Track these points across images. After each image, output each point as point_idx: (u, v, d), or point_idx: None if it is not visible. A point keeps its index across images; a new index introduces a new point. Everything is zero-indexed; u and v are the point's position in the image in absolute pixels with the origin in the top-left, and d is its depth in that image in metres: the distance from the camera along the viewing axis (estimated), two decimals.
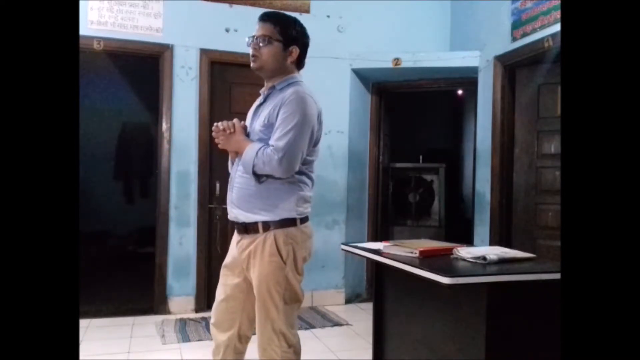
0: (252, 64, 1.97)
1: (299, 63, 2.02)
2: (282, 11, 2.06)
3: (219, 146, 2.01)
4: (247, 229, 1.95)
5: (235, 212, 1.98)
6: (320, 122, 1.96)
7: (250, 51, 1.96)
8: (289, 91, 1.89)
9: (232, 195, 1.99)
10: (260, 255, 1.91)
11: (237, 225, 2.01)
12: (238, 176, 1.96)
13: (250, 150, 1.88)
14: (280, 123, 1.85)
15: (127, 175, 7.26)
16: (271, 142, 1.86)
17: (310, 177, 1.99)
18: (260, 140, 1.92)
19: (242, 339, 2.07)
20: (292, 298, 1.97)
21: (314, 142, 1.95)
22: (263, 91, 2.04)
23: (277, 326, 1.92)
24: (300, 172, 1.93)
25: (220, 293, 2.07)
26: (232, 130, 1.96)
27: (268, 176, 1.89)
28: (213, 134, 2.01)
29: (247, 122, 2.06)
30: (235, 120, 1.99)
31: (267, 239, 1.90)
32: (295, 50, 1.96)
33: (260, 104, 2.01)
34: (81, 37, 3.54)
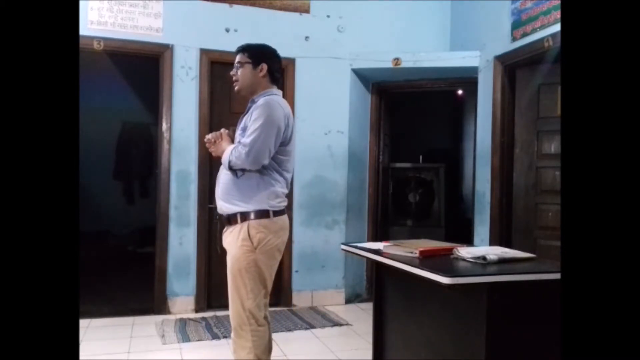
0: (235, 90, 2.38)
1: (273, 79, 2.36)
2: (256, 44, 2.40)
3: (213, 155, 2.37)
4: (230, 220, 2.27)
5: (219, 204, 2.32)
6: (287, 123, 2.25)
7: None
8: (260, 101, 2.26)
9: (218, 190, 2.34)
10: (235, 242, 2.23)
11: (223, 217, 2.33)
12: (222, 174, 2.32)
13: (227, 150, 2.25)
14: (250, 125, 2.20)
15: (127, 175, 7.26)
16: (241, 140, 2.22)
17: (282, 175, 2.29)
18: (239, 143, 2.25)
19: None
20: (260, 281, 2.23)
21: (284, 141, 2.25)
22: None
23: (247, 305, 2.20)
24: (272, 170, 2.25)
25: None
26: (220, 139, 2.33)
27: (244, 171, 2.21)
28: (206, 145, 2.36)
29: None
30: (222, 130, 2.36)
31: (242, 228, 2.22)
32: (264, 67, 2.32)
33: (243, 115, 2.35)
34: (81, 37, 3.54)
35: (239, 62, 2.33)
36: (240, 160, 2.17)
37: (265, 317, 2.26)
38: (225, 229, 2.33)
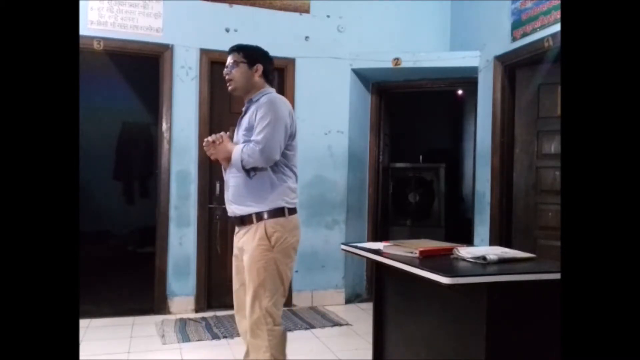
0: (229, 88, 2.36)
1: (268, 79, 2.37)
2: (250, 45, 2.40)
3: (212, 157, 2.34)
4: (244, 220, 2.27)
5: (232, 208, 2.31)
6: (292, 119, 2.28)
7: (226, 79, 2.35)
8: (262, 99, 2.27)
9: (228, 194, 2.33)
10: (251, 241, 2.22)
11: (235, 219, 2.32)
12: (231, 177, 2.29)
13: (236, 150, 2.22)
14: (258, 123, 2.19)
15: (127, 175, 7.26)
16: (252, 138, 2.19)
17: (292, 170, 2.31)
18: (244, 142, 2.24)
19: None
20: (278, 279, 2.23)
21: (290, 136, 2.26)
22: (244, 107, 2.38)
23: (264, 304, 2.19)
24: (283, 165, 2.26)
25: (235, 282, 2.40)
26: (221, 140, 2.28)
27: (256, 170, 2.20)
28: (205, 148, 2.31)
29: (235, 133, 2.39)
30: (222, 133, 2.32)
31: (258, 227, 2.22)
32: (259, 67, 2.33)
33: (243, 116, 2.36)
34: (81, 37, 3.54)
35: (234, 61, 2.32)
36: (253, 158, 2.15)
37: (280, 317, 2.26)
38: (237, 230, 2.33)
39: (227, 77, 2.34)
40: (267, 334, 2.18)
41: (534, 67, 3.69)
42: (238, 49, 2.34)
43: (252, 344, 2.23)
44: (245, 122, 2.29)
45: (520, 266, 1.96)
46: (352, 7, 4.50)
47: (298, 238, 2.33)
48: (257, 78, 2.32)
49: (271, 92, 2.34)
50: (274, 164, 2.21)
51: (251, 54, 2.33)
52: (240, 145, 2.22)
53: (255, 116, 2.21)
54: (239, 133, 2.31)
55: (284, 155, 2.24)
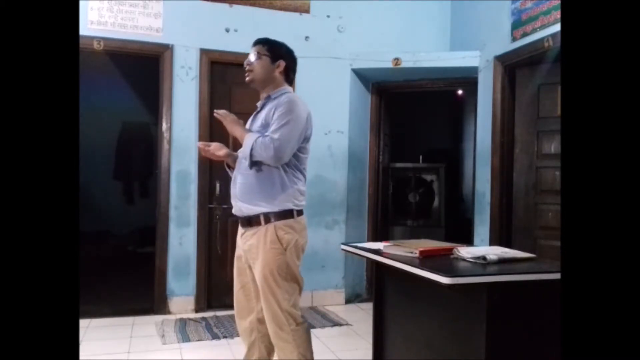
0: (246, 79, 2.31)
1: (288, 78, 2.33)
2: (272, 39, 2.36)
3: (227, 122, 2.25)
4: (251, 221, 2.22)
5: (239, 205, 2.25)
6: (309, 122, 2.23)
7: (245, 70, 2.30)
8: (283, 97, 2.22)
9: (235, 190, 2.26)
10: (263, 245, 2.17)
11: (241, 219, 2.27)
12: (240, 174, 2.24)
13: (250, 137, 2.16)
14: (276, 120, 2.14)
15: (127, 175, 7.26)
16: (268, 134, 2.13)
17: (302, 173, 2.27)
18: (265, 135, 2.17)
19: (262, 321, 2.29)
20: (293, 280, 2.24)
21: (305, 139, 2.22)
22: (259, 102, 2.34)
23: (284, 306, 2.18)
24: (294, 167, 2.21)
25: (236, 283, 2.37)
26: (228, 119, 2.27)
27: (261, 165, 2.15)
28: (219, 115, 2.27)
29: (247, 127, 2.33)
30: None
31: (268, 230, 2.17)
32: (282, 63, 2.28)
33: (258, 112, 2.32)
34: (81, 37, 3.54)
35: (257, 53, 2.26)
36: (265, 152, 2.08)
37: (302, 316, 2.28)
38: (243, 231, 2.28)
39: (247, 67, 2.28)
40: (291, 335, 2.18)
41: (534, 67, 3.69)
42: (264, 41, 2.30)
43: (278, 347, 2.23)
44: (261, 117, 2.25)
45: (520, 266, 1.96)
46: (352, 7, 4.50)
47: (306, 239, 2.31)
48: (277, 74, 2.28)
49: (290, 91, 2.30)
50: (286, 164, 2.17)
51: (276, 49, 2.29)
52: (255, 134, 2.16)
53: (273, 113, 2.16)
54: (253, 129, 2.27)
55: (296, 157, 2.20)
